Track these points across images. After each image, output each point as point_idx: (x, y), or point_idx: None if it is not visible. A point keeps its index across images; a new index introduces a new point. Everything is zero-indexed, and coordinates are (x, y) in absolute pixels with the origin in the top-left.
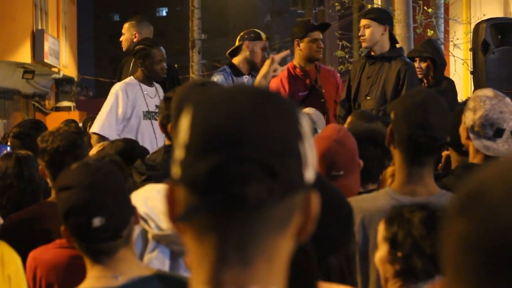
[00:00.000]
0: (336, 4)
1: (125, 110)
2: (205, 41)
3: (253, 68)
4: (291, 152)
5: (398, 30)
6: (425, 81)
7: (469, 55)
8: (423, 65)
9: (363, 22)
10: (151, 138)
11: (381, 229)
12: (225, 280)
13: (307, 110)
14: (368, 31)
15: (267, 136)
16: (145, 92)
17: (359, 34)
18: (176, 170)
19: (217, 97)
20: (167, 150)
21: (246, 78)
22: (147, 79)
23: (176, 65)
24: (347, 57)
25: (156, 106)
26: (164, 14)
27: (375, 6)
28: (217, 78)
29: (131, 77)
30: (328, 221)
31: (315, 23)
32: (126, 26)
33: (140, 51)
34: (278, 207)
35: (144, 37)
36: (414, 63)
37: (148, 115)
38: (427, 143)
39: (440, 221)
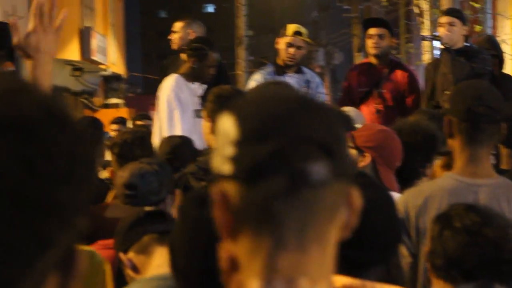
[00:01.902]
0: None
1: (180, 111)
2: (251, 37)
3: (289, 66)
4: (341, 137)
5: None
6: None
7: None
8: None
9: (448, 19)
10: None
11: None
12: (280, 266)
13: (346, 108)
14: (454, 29)
15: (319, 122)
16: (193, 90)
17: (445, 31)
18: (226, 168)
19: (259, 97)
20: None
21: (289, 77)
22: (192, 78)
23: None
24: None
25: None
26: (211, 10)
27: (422, 1)
28: (256, 77)
29: (176, 75)
30: (386, 225)
31: (372, 19)
32: (179, 25)
33: (199, 49)
34: (332, 191)
35: (202, 36)
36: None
37: (197, 113)
38: (486, 114)
39: (482, 226)
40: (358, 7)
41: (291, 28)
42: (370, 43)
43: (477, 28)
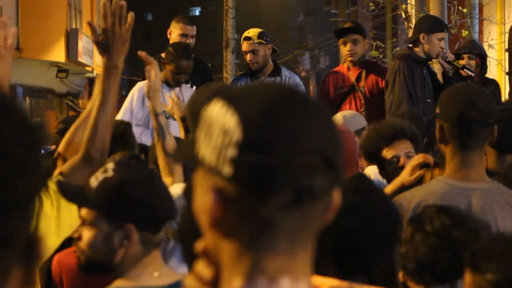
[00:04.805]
0: (370, 4)
1: (137, 111)
2: (238, 40)
3: (259, 70)
4: (339, 144)
5: None
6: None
7: (504, 55)
8: (472, 62)
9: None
10: None
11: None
12: (266, 268)
13: (347, 112)
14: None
15: (322, 131)
16: (165, 94)
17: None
18: (226, 168)
19: (262, 97)
20: None
21: (263, 80)
22: (167, 82)
23: (209, 65)
24: (381, 57)
25: None
26: (197, 13)
27: (409, 6)
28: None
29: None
30: (375, 229)
31: (342, 29)
32: (194, 28)
33: (170, 55)
34: (326, 199)
35: (179, 41)
36: (462, 60)
37: (163, 114)
38: (478, 119)
39: (452, 229)
40: (345, 11)
41: (244, 35)
42: (345, 51)
43: (464, 33)
